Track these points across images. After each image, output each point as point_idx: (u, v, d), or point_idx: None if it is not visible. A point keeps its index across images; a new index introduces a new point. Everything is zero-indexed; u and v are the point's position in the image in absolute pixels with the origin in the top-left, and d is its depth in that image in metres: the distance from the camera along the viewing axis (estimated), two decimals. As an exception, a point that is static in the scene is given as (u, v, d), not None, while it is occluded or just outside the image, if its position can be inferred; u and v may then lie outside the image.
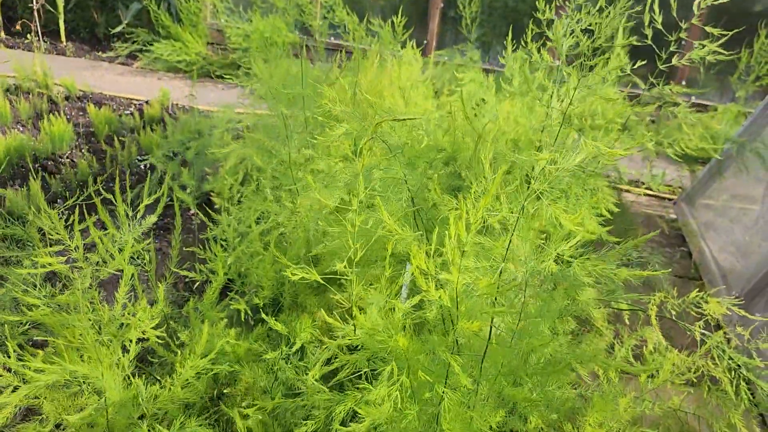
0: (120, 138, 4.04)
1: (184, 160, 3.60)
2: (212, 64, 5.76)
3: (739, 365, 1.52)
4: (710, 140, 3.57)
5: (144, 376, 1.65)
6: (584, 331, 2.17)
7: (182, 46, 5.73)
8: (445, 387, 1.26)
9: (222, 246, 2.13)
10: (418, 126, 2.02)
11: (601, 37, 1.86)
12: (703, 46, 2.19)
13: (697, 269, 3.39)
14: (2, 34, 5.97)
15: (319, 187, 1.90)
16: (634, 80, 2.72)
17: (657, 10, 2.23)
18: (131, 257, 1.72)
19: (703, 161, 4.09)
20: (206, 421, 1.61)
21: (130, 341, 1.48)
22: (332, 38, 5.82)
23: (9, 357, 1.33)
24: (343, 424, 1.32)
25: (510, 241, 1.29)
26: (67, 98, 4.61)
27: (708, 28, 2.10)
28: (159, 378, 1.69)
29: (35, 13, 5.64)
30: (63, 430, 1.51)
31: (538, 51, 2.16)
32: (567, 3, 1.90)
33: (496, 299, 1.34)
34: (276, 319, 1.76)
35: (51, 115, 4.03)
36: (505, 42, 2.75)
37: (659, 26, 2.21)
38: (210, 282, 2.04)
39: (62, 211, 1.54)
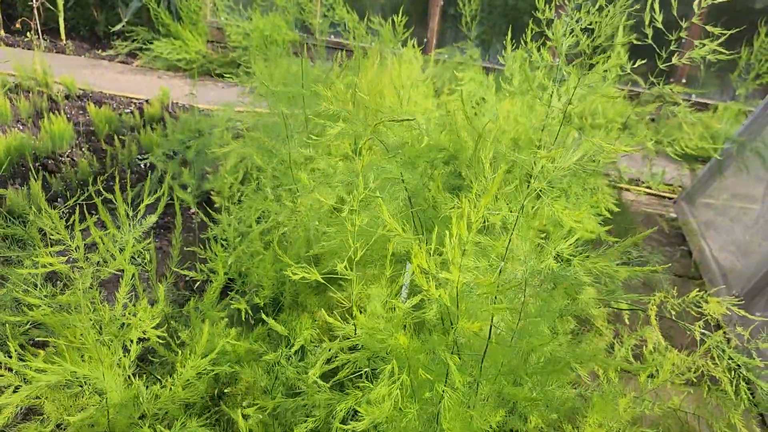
0: (120, 137, 4.04)
1: (185, 159, 3.60)
2: (212, 63, 5.75)
3: (738, 365, 1.52)
4: (710, 139, 3.57)
5: (145, 375, 1.65)
6: (584, 330, 2.18)
7: (182, 45, 5.73)
8: (445, 386, 1.27)
9: (222, 245, 2.13)
10: (418, 125, 2.02)
11: (601, 36, 1.86)
12: (704, 45, 2.19)
13: (697, 268, 3.39)
14: (2, 32, 5.97)
15: (315, 186, 1.90)
16: (635, 79, 2.72)
17: (657, 8, 2.23)
18: (132, 256, 1.72)
19: (703, 160, 4.08)
20: (207, 420, 1.61)
21: (131, 341, 1.48)
22: (332, 36, 5.82)
23: (10, 357, 1.33)
24: (343, 422, 1.32)
25: (510, 241, 1.29)
26: (67, 97, 4.61)
27: (708, 27, 2.10)
28: (160, 378, 1.69)
29: (35, 12, 5.63)
30: (64, 430, 1.51)
31: (538, 50, 2.16)
32: (567, 2, 1.90)
33: (496, 298, 1.34)
34: (276, 319, 1.76)
35: (51, 113, 4.03)
36: (504, 41, 2.75)
37: (659, 25, 2.21)
38: (210, 281, 2.04)
39: (63, 211, 1.55)
